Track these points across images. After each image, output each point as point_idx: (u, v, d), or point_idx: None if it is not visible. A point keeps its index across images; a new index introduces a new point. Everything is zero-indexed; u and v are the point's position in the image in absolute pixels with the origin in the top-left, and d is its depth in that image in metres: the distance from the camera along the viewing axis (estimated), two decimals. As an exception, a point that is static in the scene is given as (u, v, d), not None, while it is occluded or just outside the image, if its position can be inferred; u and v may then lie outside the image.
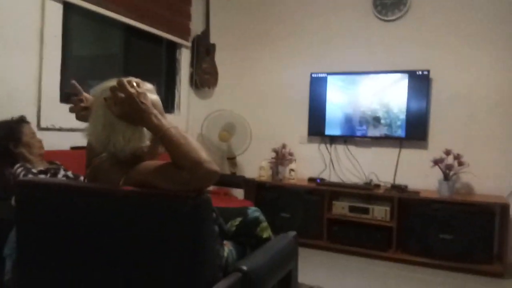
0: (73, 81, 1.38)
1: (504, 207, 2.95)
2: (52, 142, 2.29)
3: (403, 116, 3.41)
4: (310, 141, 3.87)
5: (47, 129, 2.38)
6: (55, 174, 1.96)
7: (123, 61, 3.15)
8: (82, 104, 1.35)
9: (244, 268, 1.30)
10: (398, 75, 3.43)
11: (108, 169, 1.28)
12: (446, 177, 3.14)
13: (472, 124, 3.30)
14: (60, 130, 2.46)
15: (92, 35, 2.93)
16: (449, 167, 3.13)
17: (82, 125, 1.37)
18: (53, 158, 2.15)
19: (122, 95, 1.15)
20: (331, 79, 3.67)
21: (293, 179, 3.64)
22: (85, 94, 1.38)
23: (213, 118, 3.84)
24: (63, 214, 1.27)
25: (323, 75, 3.70)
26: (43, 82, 2.37)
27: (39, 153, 2.03)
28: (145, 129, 1.21)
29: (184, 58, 3.71)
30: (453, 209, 3.00)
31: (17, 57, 2.23)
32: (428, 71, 3.34)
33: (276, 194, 3.57)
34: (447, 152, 3.17)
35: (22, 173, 1.85)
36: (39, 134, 2.14)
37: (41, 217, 1.30)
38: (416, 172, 3.44)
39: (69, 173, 2.04)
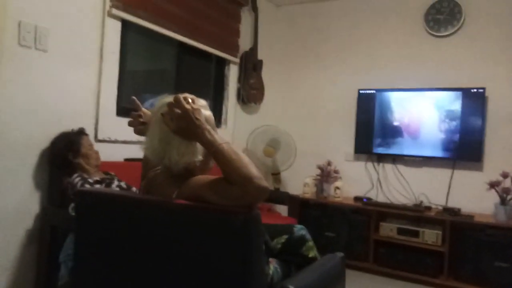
0: (133, 97, 1.45)
1: None
2: (108, 153, 2.40)
3: (456, 135, 3.26)
4: (356, 158, 3.79)
5: (103, 141, 2.49)
6: (109, 184, 2.04)
7: (175, 76, 3.25)
8: (141, 119, 1.41)
9: (291, 287, 1.28)
10: (452, 92, 3.30)
11: (162, 182, 1.32)
12: (503, 201, 2.96)
13: (532, 146, 3.11)
14: (115, 142, 2.57)
15: (146, 51, 3.06)
16: (507, 190, 2.95)
17: (135, 138, 1.42)
18: (108, 169, 2.24)
19: (179, 111, 1.19)
20: (379, 96, 3.59)
21: (338, 197, 3.57)
22: (143, 109, 1.44)
23: (259, 133, 3.87)
24: (118, 224, 1.32)
25: (372, 91, 3.63)
26: (101, 96, 2.49)
27: (96, 164, 2.13)
28: (198, 144, 1.24)
29: (232, 73, 3.78)
30: (510, 235, 2.82)
31: (78, 72, 2.36)
32: (484, 88, 3.20)
33: (321, 212, 3.51)
34: (505, 175, 2.99)
35: (80, 182, 1.94)
36: (96, 146, 2.25)
37: (97, 226, 1.36)
38: (470, 195, 3.27)
39: (123, 184, 2.12)
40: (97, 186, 1.97)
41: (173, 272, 1.22)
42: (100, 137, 2.48)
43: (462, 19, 3.36)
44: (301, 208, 3.54)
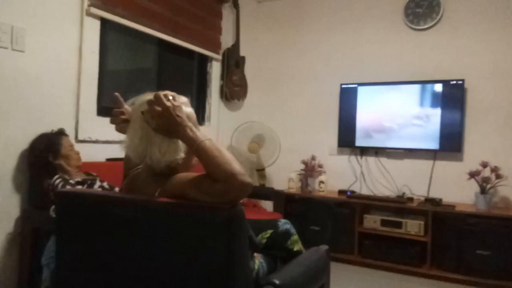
0: (116, 94, 1.42)
1: (547, 223, 2.82)
2: (89, 154, 2.37)
3: (437, 127, 3.32)
4: (340, 152, 3.83)
5: (84, 141, 2.46)
6: (91, 185, 2.02)
7: (157, 74, 3.23)
8: (123, 117, 1.39)
9: (277, 281, 1.29)
10: (432, 85, 3.36)
11: (144, 181, 1.31)
12: (483, 191, 3.03)
13: (509, 135, 3.18)
14: (97, 142, 2.54)
15: (127, 50, 3.03)
16: (486, 180, 3.02)
17: (117, 137, 1.41)
18: (90, 170, 2.22)
19: (159, 108, 1.18)
20: (361, 90, 3.63)
21: (323, 191, 3.60)
22: (126, 107, 1.42)
23: (243, 130, 3.87)
24: (100, 224, 1.31)
25: (354, 85, 3.67)
26: (81, 96, 2.46)
27: (77, 164, 2.11)
28: (180, 142, 1.23)
29: (215, 71, 3.77)
30: (490, 223, 2.89)
31: (57, 72, 2.32)
32: (463, 80, 3.26)
33: (306, 207, 3.54)
34: (484, 164, 3.06)
35: (61, 184, 1.92)
36: (77, 146, 2.22)
37: (79, 227, 1.34)
38: (451, 185, 3.34)
39: (105, 184, 2.10)
40: (79, 187, 1.95)
41: (158, 270, 1.22)
42: (80, 137, 2.44)
43: (440, 12, 3.41)
44: (287, 203, 3.56)
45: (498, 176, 3.01)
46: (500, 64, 3.22)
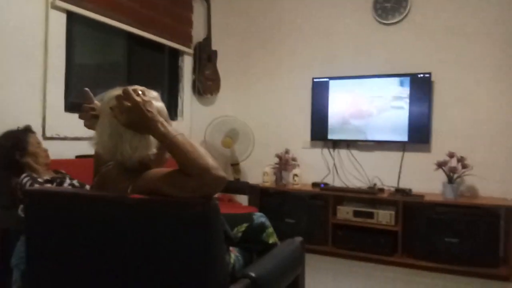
0: (86, 89, 1.39)
1: (509, 210, 2.95)
2: (58, 151, 2.31)
3: (405, 119, 3.41)
4: (313, 146, 3.87)
5: (52, 138, 2.39)
6: (61, 183, 1.97)
7: (126, 69, 3.17)
8: (93, 112, 1.35)
9: (252, 274, 1.30)
10: (400, 78, 3.44)
11: (115, 178, 1.29)
12: (450, 180, 3.13)
13: (475, 126, 3.30)
14: (65, 139, 2.48)
15: (95, 44, 2.95)
16: (453, 169, 3.12)
17: (87, 134, 1.38)
18: (59, 167, 2.16)
19: (128, 103, 1.15)
20: (333, 84, 3.68)
21: (297, 184, 3.64)
22: (96, 102, 1.39)
23: (216, 125, 3.86)
24: (71, 222, 1.28)
25: (325, 79, 3.71)
26: (47, 91, 2.39)
27: (45, 162, 2.05)
28: (151, 137, 1.21)
29: (187, 65, 3.74)
30: (458, 212, 2.99)
31: (21, 67, 2.24)
32: (430, 73, 3.35)
33: (280, 200, 3.56)
34: (451, 155, 3.17)
35: (29, 182, 1.86)
36: (45, 144, 2.16)
37: (49, 226, 1.31)
38: (420, 176, 3.44)
39: (75, 182, 2.05)
40: (48, 185, 1.89)
41: (132, 268, 1.20)
42: (48, 134, 2.38)
43: (408, 7, 3.49)
44: (261, 196, 3.58)
45: (464, 166, 3.12)
46: (465, 58, 3.33)
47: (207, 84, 3.86)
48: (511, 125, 3.19)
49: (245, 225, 1.65)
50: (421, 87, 3.37)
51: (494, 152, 3.23)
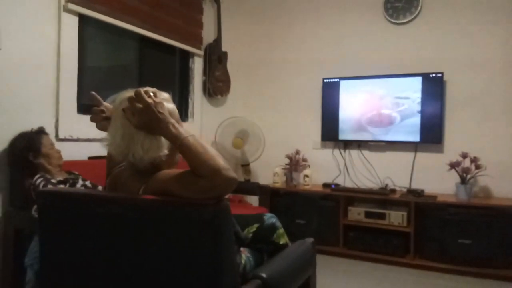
0: (93, 92, 1.41)
1: (524, 211, 2.90)
2: (70, 152, 2.33)
3: (417, 119, 3.38)
4: (323, 146, 3.86)
5: (65, 139, 2.42)
6: (73, 184, 1.99)
7: (138, 71, 3.19)
8: (103, 115, 1.37)
9: (264, 275, 1.30)
10: (412, 78, 3.41)
11: (127, 178, 1.30)
12: (463, 181, 3.09)
13: (487, 126, 3.26)
14: (78, 141, 2.50)
15: (107, 46, 2.98)
16: (466, 170, 3.09)
17: (99, 135, 1.40)
18: (71, 168, 2.19)
19: (140, 105, 1.16)
20: (343, 84, 3.66)
21: (308, 185, 3.63)
22: (105, 104, 1.41)
23: (227, 125, 3.87)
24: (83, 223, 1.29)
25: (336, 79, 3.69)
26: (60, 93, 2.42)
27: (58, 163, 2.07)
28: (163, 138, 1.22)
29: (197, 66, 3.75)
30: (471, 213, 2.96)
31: (34, 70, 2.28)
32: (442, 73, 3.32)
33: (291, 201, 3.56)
34: (464, 155, 3.13)
35: (42, 183, 1.89)
36: (57, 145, 2.19)
37: (62, 226, 1.32)
38: (433, 176, 3.40)
39: (87, 183, 2.07)
40: (61, 186, 1.92)
41: (144, 268, 1.21)
42: (61, 135, 2.41)
43: (419, 6, 3.46)
44: (272, 197, 3.58)
45: (478, 167, 3.08)
46: (477, 57, 3.29)
47: (217, 85, 3.88)
48: (525, 125, 3.14)
49: (255, 225, 1.65)
50: (433, 86, 3.34)
51: (507, 152, 3.18)
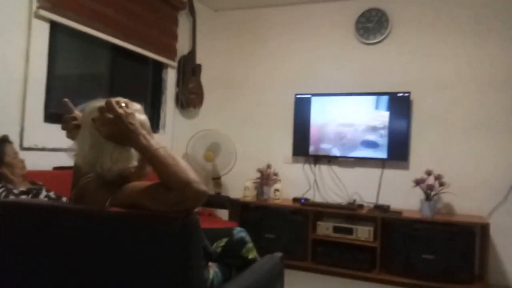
0: (66, 99, 1.38)
1: (484, 227, 3.01)
2: (35, 162, 2.26)
3: (385, 137, 3.48)
4: (294, 161, 3.90)
5: (30, 148, 2.34)
6: (37, 195, 1.93)
7: (109, 80, 3.14)
8: (75, 122, 1.34)
9: (231, 290, 1.29)
10: (380, 97, 3.51)
11: (94, 190, 1.27)
12: (428, 197, 3.19)
13: (451, 145, 3.39)
14: (43, 150, 2.43)
15: (78, 55, 2.93)
16: (430, 187, 3.19)
17: (65, 145, 1.36)
18: (36, 179, 2.11)
19: (111, 115, 1.15)
20: (315, 100, 3.73)
21: (278, 199, 3.65)
22: (77, 112, 1.38)
23: (199, 138, 3.85)
24: (47, 236, 1.25)
25: (307, 96, 3.76)
26: (27, 101, 2.35)
27: (21, 173, 2.00)
28: (133, 150, 1.20)
29: (170, 78, 3.73)
30: (434, 229, 3.05)
31: (1, 76, 2.21)
32: (409, 92, 3.44)
33: (261, 215, 3.56)
34: (428, 173, 3.23)
35: (3, 194, 1.81)
36: (22, 154, 2.11)
37: (24, 239, 1.27)
38: (398, 192, 3.49)
39: (51, 194, 2.01)
40: (23, 197, 1.85)
41: (109, 283, 1.18)
42: (26, 144, 2.33)
43: (389, 28, 3.59)
44: (242, 211, 3.57)
45: (442, 184, 3.19)
46: (443, 78, 3.44)
47: (191, 98, 3.87)
48: (487, 144, 3.29)
49: (224, 240, 1.64)
50: (400, 105, 3.45)
51: (470, 170, 3.32)
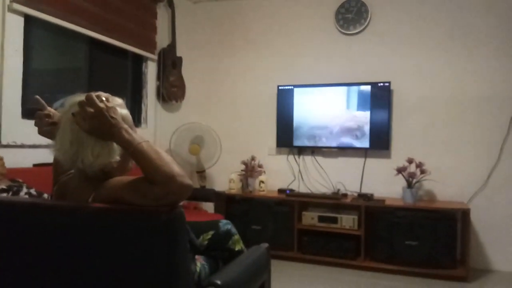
0: (37, 96, 1.35)
1: (465, 213, 3.08)
2: (14, 159, 2.21)
3: (367, 126, 3.51)
4: (278, 152, 3.91)
5: (8, 146, 2.29)
6: (17, 192, 1.89)
7: (88, 74, 3.08)
8: (49, 120, 1.31)
9: (218, 282, 1.29)
10: (361, 87, 3.54)
11: (76, 186, 1.25)
12: (409, 185, 3.25)
13: (431, 132, 3.45)
14: (22, 147, 2.37)
15: (55, 49, 2.86)
16: (412, 175, 3.24)
17: (45, 141, 1.33)
18: (15, 176, 2.06)
19: (91, 110, 1.13)
20: (297, 91, 3.74)
21: (263, 191, 3.66)
22: (50, 109, 1.35)
23: (183, 131, 3.82)
24: (29, 233, 1.22)
25: (290, 87, 3.77)
26: (3, 97, 2.29)
27: (1, 171, 1.95)
28: (115, 144, 1.19)
29: (151, 71, 3.68)
30: (416, 216, 3.10)
31: (-25, 71, 2.14)
32: (389, 82, 3.47)
33: (247, 207, 3.57)
34: (410, 161, 3.28)
35: (-18, 192, 1.77)
36: (0, 152, 2.06)
37: (5, 236, 1.25)
38: (381, 181, 3.54)
39: (32, 191, 1.97)
40: (4, 195, 1.81)
41: (95, 278, 1.17)
42: (4, 141, 2.27)
43: (368, 18, 3.61)
44: (228, 204, 3.57)
45: (423, 172, 3.24)
46: (423, 67, 3.48)
47: (172, 91, 3.82)
48: (466, 131, 3.36)
49: (211, 232, 1.64)
50: (381, 95, 3.49)
51: (450, 157, 3.39)
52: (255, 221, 3.51)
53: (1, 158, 2.00)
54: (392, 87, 3.50)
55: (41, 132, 1.35)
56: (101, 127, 1.13)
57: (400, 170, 3.27)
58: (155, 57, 3.68)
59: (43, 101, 1.37)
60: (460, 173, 3.36)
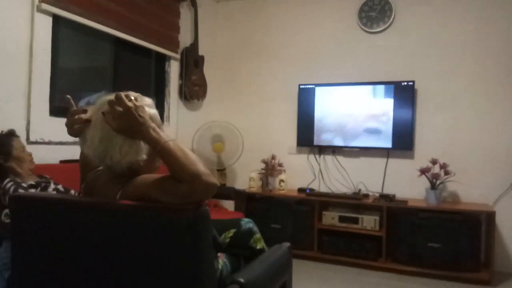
0: (68, 96, 1.38)
1: (490, 215, 3.01)
2: (41, 155, 2.27)
3: (390, 126, 3.47)
4: (299, 151, 3.90)
5: (36, 142, 2.35)
6: (45, 188, 1.94)
7: (113, 73, 3.14)
8: (84, 116, 1.32)
9: (242, 280, 1.30)
10: (384, 86, 3.50)
11: (104, 183, 1.28)
12: (433, 186, 3.19)
13: (456, 133, 3.38)
14: (49, 144, 2.44)
15: (81, 48, 2.92)
16: (436, 176, 3.19)
17: (71, 138, 1.36)
18: (43, 172, 2.12)
19: (120, 109, 1.15)
20: (319, 90, 3.72)
21: (283, 189, 3.65)
22: (78, 110, 1.37)
23: (205, 129, 3.85)
24: (58, 229, 1.26)
25: (311, 86, 3.75)
26: (32, 95, 2.35)
27: (29, 167, 2.01)
28: (142, 143, 1.21)
29: (173, 70, 3.72)
30: (440, 217, 3.05)
31: (5, 70, 2.21)
32: (413, 81, 3.42)
33: (266, 205, 3.57)
34: (433, 161, 3.23)
35: (12, 187, 1.82)
36: (28, 148, 2.12)
37: (36, 232, 1.29)
38: (404, 181, 3.49)
39: (59, 187, 2.02)
40: (32, 190, 1.86)
41: (120, 274, 1.19)
42: (32, 138, 2.34)
43: (392, 16, 3.56)
44: (248, 202, 3.58)
45: (447, 173, 3.18)
46: (448, 66, 3.41)
47: (194, 90, 3.86)
48: (490, 132, 3.28)
49: (232, 230, 1.64)
50: (404, 95, 3.44)
51: (475, 158, 3.31)
52: (274, 220, 3.51)
53: (30, 154, 2.06)
54: (416, 86, 3.45)
55: (71, 132, 1.37)
56: (130, 125, 1.16)
57: (423, 171, 3.22)
58: (178, 56, 3.72)
59: (72, 101, 1.40)
60: (485, 175, 3.28)
